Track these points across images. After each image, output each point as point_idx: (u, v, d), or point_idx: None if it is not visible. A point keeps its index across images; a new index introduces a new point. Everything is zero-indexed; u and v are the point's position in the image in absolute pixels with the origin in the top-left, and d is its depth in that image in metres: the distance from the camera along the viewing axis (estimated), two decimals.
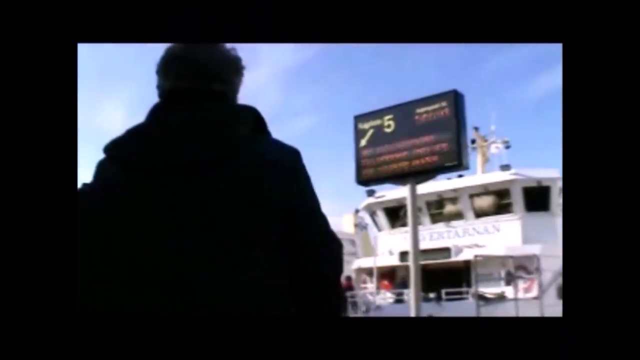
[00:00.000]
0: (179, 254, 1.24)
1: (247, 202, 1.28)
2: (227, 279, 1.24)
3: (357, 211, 20.95)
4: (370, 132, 6.79)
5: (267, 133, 1.45)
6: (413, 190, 6.62)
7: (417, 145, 6.42)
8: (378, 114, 6.82)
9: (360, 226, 21.11)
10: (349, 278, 16.56)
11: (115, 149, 1.41)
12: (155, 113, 1.45)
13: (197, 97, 1.43)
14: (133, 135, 1.42)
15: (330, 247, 1.43)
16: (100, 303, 1.31)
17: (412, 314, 6.52)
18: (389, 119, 6.70)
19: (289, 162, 1.40)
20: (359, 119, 6.97)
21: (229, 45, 1.53)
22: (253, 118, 1.41)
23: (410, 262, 6.62)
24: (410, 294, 6.63)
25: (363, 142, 6.85)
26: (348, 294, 15.13)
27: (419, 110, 6.49)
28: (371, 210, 19.46)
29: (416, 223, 6.73)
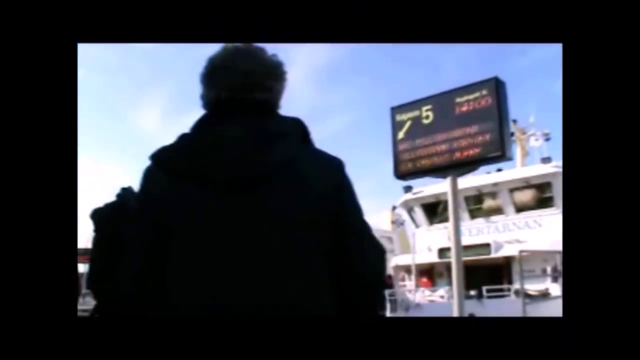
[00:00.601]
0: (230, 261, 1.30)
1: (297, 212, 1.34)
2: (280, 286, 1.31)
3: (394, 208, 20.65)
4: (408, 123, 6.53)
5: (311, 143, 1.48)
6: (454, 184, 6.34)
7: (457, 136, 6.13)
8: (416, 104, 6.54)
9: (397, 223, 20.80)
10: (389, 277, 16.25)
11: (165, 159, 1.43)
12: (202, 124, 1.46)
13: (241, 107, 1.44)
14: (183, 146, 1.43)
15: (373, 255, 1.47)
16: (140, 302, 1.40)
17: (455, 312, 6.26)
18: (428, 110, 6.43)
19: (333, 173, 1.45)
20: (396, 110, 6.71)
21: (270, 51, 1.53)
22: (299, 130, 1.45)
23: (453, 259, 6.36)
24: (452, 292, 6.34)
25: (401, 135, 6.58)
26: (387, 292, 14.85)
27: (458, 100, 6.19)
28: (409, 207, 19.17)
29: (458, 217, 6.45)
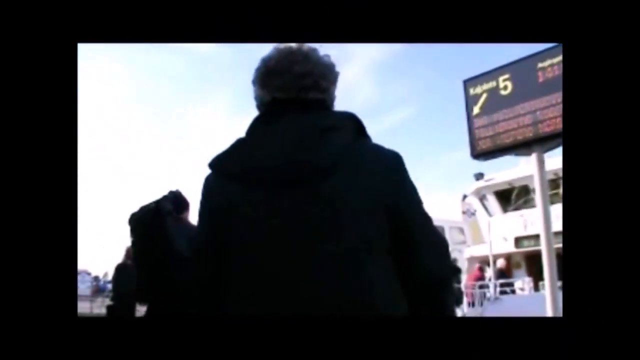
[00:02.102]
0: (292, 261, 1.28)
1: (353, 208, 1.30)
2: (345, 284, 1.26)
3: (464, 197, 19.68)
4: (484, 96, 5.82)
5: (367, 137, 1.45)
6: (540, 160, 5.59)
7: (542, 107, 5.38)
8: (491, 74, 5.82)
9: (468, 213, 19.82)
10: (481, 269, 15.39)
11: (218, 164, 1.44)
12: (256, 125, 1.47)
13: (298, 108, 1.43)
14: (235, 149, 1.43)
15: (436, 246, 1.44)
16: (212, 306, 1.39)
17: (549, 306, 5.53)
18: (505, 79, 5.70)
19: (391, 166, 1.40)
20: (469, 83, 6.00)
21: (322, 52, 1.51)
22: (353, 124, 1.42)
23: (543, 246, 5.63)
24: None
25: (476, 110, 5.88)
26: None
27: (541, 65, 5.44)
28: (480, 195, 18.24)
29: (546, 199, 5.70)
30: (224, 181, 1.41)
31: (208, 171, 1.49)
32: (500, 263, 14.70)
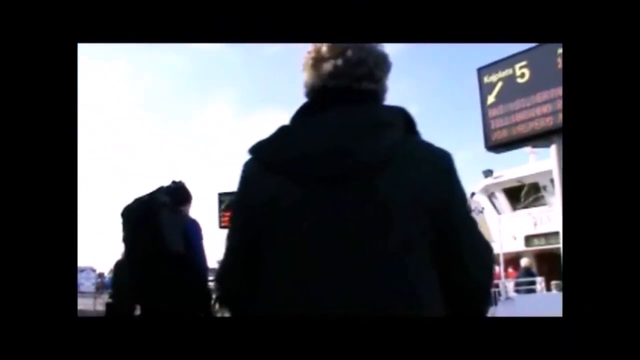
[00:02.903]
0: (337, 258, 1.24)
1: (405, 205, 1.27)
2: (388, 283, 1.23)
3: (472, 194, 19.40)
4: (499, 85, 5.52)
5: (417, 134, 1.41)
6: (560, 152, 5.29)
7: (562, 95, 5.08)
8: (508, 62, 5.51)
9: (476, 211, 19.54)
10: (527, 268, 15.16)
11: (258, 152, 1.40)
12: (304, 113, 1.42)
13: (350, 98, 1.39)
14: (278, 137, 1.39)
15: (482, 251, 1.40)
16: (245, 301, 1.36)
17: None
18: (523, 67, 5.39)
19: (443, 164, 1.37)
20: (483, 71, 5.70)
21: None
22: (404, 119, 1.38)
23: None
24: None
25: (491, 99, 5.58)
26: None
27: (561, 51, 5.14)
28: (489, 192, 17.96)
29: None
30: (266, 170, 1.35)
31: (210, 171, 1.38)
32: (525, 261, 14.43)
